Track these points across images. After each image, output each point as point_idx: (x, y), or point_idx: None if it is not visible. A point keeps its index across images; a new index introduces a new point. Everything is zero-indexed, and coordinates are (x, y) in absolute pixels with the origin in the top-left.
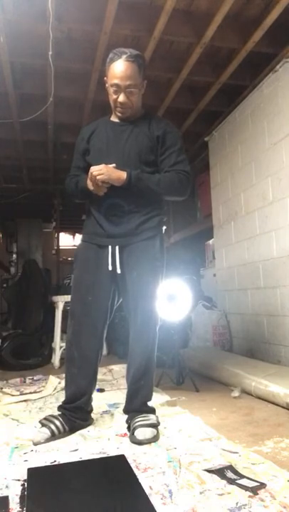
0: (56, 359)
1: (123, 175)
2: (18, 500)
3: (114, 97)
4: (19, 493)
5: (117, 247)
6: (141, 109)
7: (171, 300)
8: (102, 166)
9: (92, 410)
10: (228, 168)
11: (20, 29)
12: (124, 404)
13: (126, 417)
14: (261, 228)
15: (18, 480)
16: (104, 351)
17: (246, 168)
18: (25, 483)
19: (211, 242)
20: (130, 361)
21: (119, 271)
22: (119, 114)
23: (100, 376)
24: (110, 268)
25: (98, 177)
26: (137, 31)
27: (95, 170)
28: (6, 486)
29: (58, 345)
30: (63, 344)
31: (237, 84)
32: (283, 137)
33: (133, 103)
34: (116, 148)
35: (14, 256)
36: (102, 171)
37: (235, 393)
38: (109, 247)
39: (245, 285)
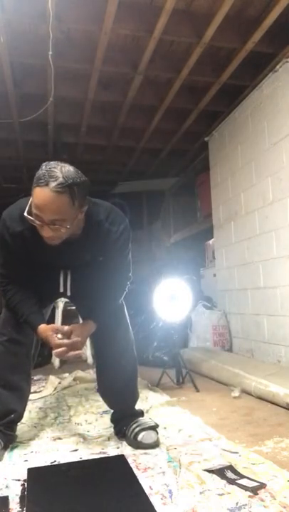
0: (56, 359)
1: None
2: (18, 500)
3: (38, 227)
4: (19, 493)
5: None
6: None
7: (171, 300)
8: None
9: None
10: (228, 168)
11: (20, 29)
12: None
13: None
14: (261, 228)
15: (18, 480)
16: None
17: (246, 168)
18: (25, 483)
19: (211, 242)
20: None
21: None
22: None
23: None
24: None
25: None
26: (137, 31)
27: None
28: (6, 486)
29: None
30: None
31: (237, 84)
32: (283, 137)
33: (62, 236)
34: None
35: None
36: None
37: (235, 393)
38: None
39: (245, 285)
